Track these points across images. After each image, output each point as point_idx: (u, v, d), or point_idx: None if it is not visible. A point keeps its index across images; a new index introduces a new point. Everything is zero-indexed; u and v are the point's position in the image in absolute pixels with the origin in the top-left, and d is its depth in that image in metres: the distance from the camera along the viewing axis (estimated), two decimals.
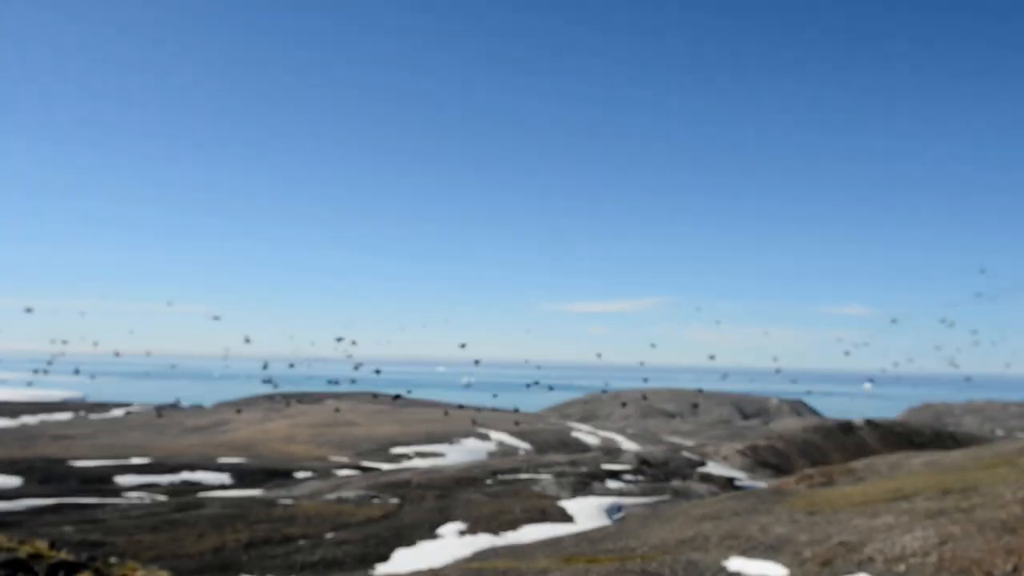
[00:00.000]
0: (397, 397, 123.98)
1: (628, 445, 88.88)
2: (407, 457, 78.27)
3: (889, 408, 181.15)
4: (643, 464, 63.64)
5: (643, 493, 53.06)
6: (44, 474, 55.68)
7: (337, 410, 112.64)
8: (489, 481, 54.75)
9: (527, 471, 59.33)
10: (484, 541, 37.91)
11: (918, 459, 51.67)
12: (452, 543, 37.79)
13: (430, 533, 39.79)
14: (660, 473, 60.72)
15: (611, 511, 47.10)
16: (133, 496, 49.06)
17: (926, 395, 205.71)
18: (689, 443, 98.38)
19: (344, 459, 74.78)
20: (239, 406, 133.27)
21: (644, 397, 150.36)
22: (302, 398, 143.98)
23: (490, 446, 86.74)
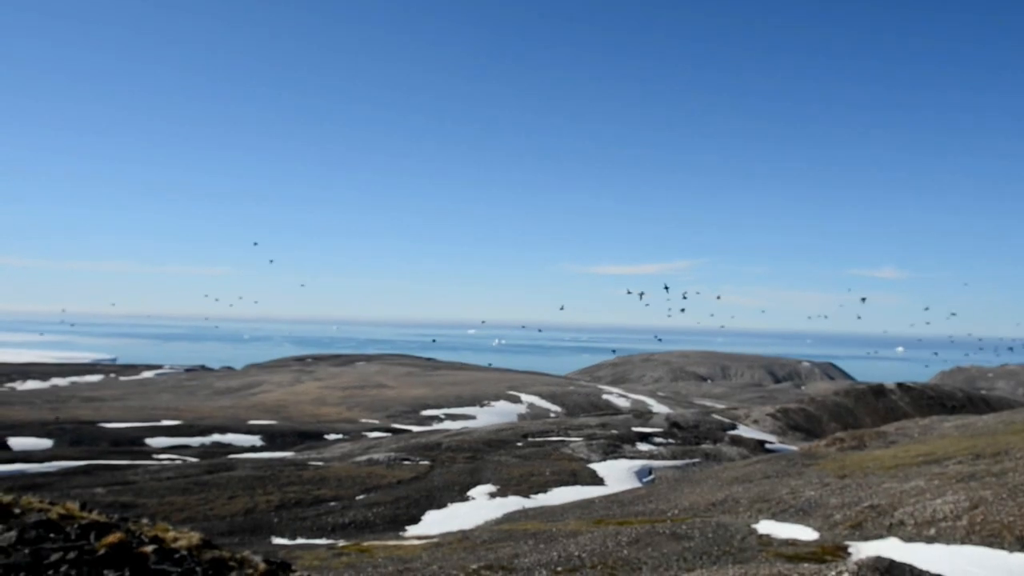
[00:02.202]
0: None
1: (659, 408, 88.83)
2: (438, 419, 78.77)
3: (921, 372, 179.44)
4: (674, 427, 63.50)
5: (673, 456, 52.98)
6: (75, 436, 56.50)
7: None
8: (520, 443, 54.88)
9: (558, 433, 59.40)
10: (514, 503, 38.02)
11: (950, 423, 51.11)
12: (482, 505, 37.93)
13: (461, 495, 39.96)
14: (691, 436, 60.53)
15: (641, 474, 47.07)
16: (164, 458, 49.71)
17: (959, 359, 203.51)
18: (720, 406, 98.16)
19: (375, 421, 75.36)
20: (270, 368, 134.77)
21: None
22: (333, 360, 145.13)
23: (521, 408, 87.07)
